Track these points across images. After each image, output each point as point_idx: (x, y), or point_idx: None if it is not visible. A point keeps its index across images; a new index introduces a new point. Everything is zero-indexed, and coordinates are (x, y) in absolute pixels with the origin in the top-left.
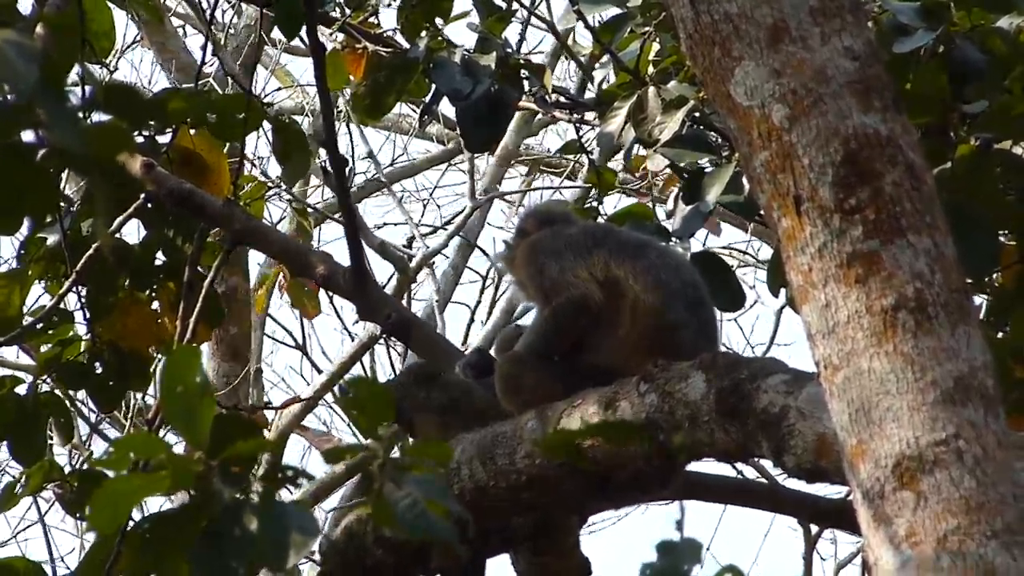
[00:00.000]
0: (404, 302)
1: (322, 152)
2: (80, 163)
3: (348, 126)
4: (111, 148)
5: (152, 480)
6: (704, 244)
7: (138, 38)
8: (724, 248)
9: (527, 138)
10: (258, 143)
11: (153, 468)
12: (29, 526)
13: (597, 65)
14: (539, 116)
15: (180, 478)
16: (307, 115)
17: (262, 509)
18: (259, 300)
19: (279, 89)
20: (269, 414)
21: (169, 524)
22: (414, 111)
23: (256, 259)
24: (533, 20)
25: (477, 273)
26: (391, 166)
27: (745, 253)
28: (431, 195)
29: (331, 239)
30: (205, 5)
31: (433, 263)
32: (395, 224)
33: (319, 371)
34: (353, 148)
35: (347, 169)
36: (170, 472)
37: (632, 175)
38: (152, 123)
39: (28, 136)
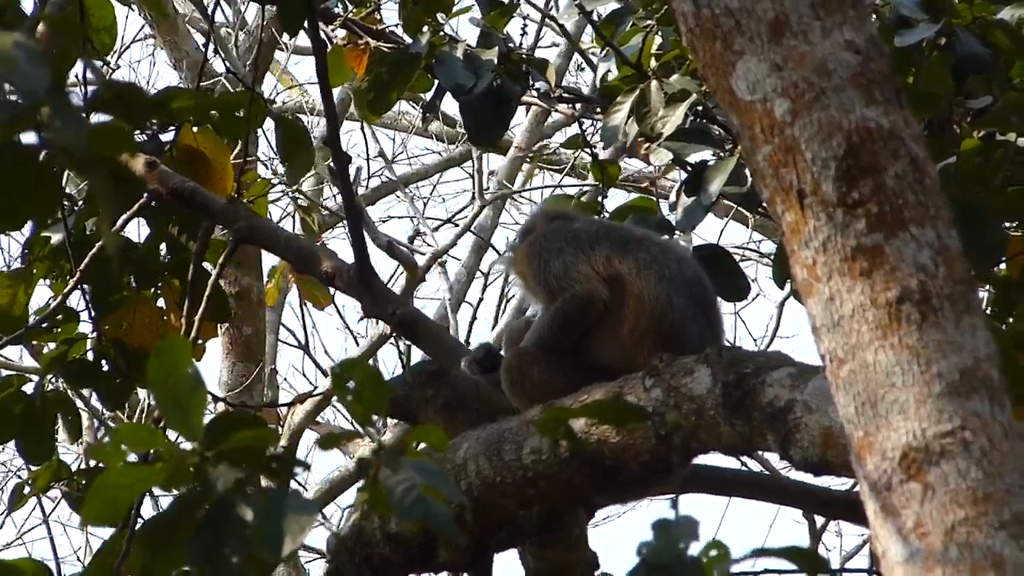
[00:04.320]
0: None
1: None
2: (82, 163)
3: (363, 128)
4: (113, 148)
5: (149, 472)
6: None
7: (146, 36)
8: (737, 247)
9: (542, 140)
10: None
11: (152, 460)
12: (35, 526)
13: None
14: (553, 116)
15: (177, 470)
16: (307, 113)
17: (256, 498)
18: (270, 293)
19: (288, 88)
20: (281, 411)
21: (168, 517)
22: (414, 107)
23: (270, 261)
24: (534, 16)
25: (482, 273)
26: (393, 161)
27: (746, 249)
28: (433, 191)
29: (342, 239)
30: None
31: (444, 261)
32: (400, 218)
33: (323, 371)
34: (368, 148)
35: (358, 169)
36: (167, 464)
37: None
38: (155, 121)
39: (30, 137)
